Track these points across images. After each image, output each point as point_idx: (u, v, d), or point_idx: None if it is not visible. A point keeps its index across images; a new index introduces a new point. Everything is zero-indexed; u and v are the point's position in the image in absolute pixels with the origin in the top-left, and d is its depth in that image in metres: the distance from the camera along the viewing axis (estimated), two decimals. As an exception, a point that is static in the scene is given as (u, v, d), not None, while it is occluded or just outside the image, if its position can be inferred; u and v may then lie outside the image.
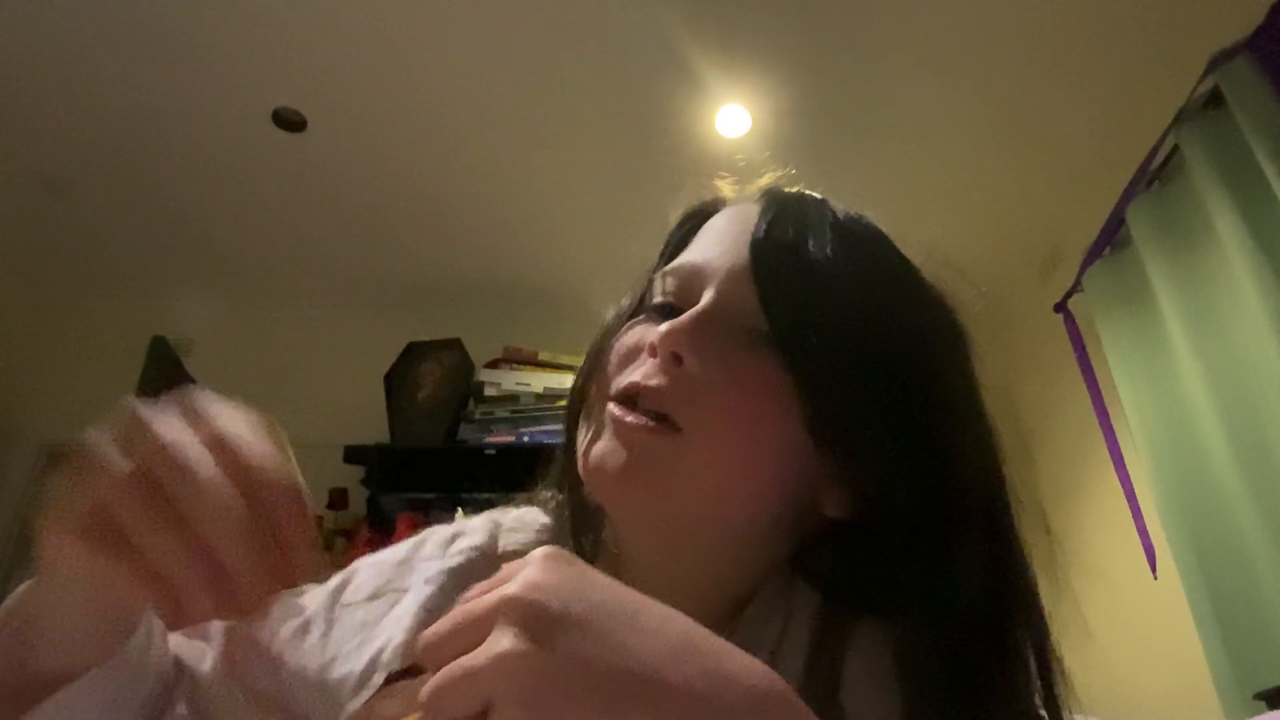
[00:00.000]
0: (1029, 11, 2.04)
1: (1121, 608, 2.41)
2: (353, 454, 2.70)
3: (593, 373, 0.51)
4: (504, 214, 2.76)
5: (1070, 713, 0.44)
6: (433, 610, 0.48)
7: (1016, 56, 2.16)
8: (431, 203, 2.73)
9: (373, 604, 0.51)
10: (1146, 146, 2.11)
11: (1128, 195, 2.18)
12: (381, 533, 2.49)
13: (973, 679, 0.40)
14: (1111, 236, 2.28)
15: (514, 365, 2.77)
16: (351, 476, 2.71)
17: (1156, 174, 2.12)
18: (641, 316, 0.51)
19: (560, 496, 0.56)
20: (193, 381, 2.74)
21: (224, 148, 2.49)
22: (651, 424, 0.43)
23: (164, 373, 2.60)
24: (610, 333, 0.52)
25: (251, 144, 2.46)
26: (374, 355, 2.82)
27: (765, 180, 0.57)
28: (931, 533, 0.43)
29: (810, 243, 0.47)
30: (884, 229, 0.52)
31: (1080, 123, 2.32)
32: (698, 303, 0.47)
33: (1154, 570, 2.15)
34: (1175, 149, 2.02)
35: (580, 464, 0.47)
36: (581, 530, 0.52)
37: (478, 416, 2.72)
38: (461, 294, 3.05)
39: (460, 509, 2.35)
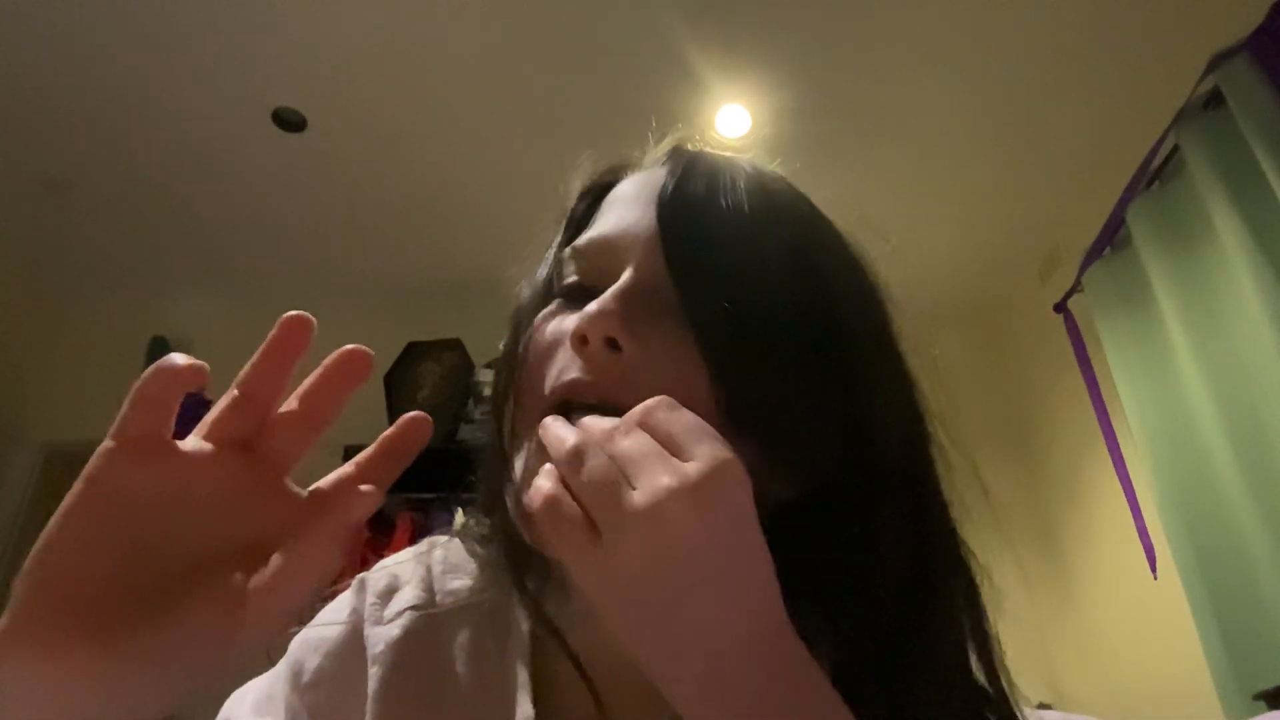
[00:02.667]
0: (1029, 12, 2.04)
1: (1121, 608, 2.41)
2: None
3: (513, 373, 0.45)
4: (504, 213, 2.75)
5: (1009, 677, 0.42)
6: (387, 699, 0.45)
7: (1016, 57, 2.16)
8: (431, 203, 2.73)
9: (334, 692, 0.47)
10: (1146, 146, 2.11)
11: (1128, 195, 2.18)
12: (382, 533, 2.49)
13: (901, 652, 0.39)
14: (1111, 236, 2.28)
15: (514, 365, 2.77)
16: (351, 477, 2.71)
17: (1156, 174, 2.12)
18: (554, 304, 0.45)
19: (490, 524, 0.49)
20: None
21: (224, 148, 2.49)
22: None
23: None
24: (523, 322, 0.46)
25: (251, 144, 2.46)
26: (374, 355, 2.82)
27: (672, 141, 0.52)
28: (852, 506, 0.40)
29: (720, 204, 0.43)
30: (817, 201, 0.48)
31: (1080, 123, 2.32)
32: (617, 280, 0.41)
33: (1154, 570, 2.15)
34: (1175, 149, 2.02)
35: (512, 506, 0.41)
36: (523, 568, 0.45)
37: (478, 416, 2.71)
38: (461, 294, 3.04)
39: (460, 509, 2.35)
